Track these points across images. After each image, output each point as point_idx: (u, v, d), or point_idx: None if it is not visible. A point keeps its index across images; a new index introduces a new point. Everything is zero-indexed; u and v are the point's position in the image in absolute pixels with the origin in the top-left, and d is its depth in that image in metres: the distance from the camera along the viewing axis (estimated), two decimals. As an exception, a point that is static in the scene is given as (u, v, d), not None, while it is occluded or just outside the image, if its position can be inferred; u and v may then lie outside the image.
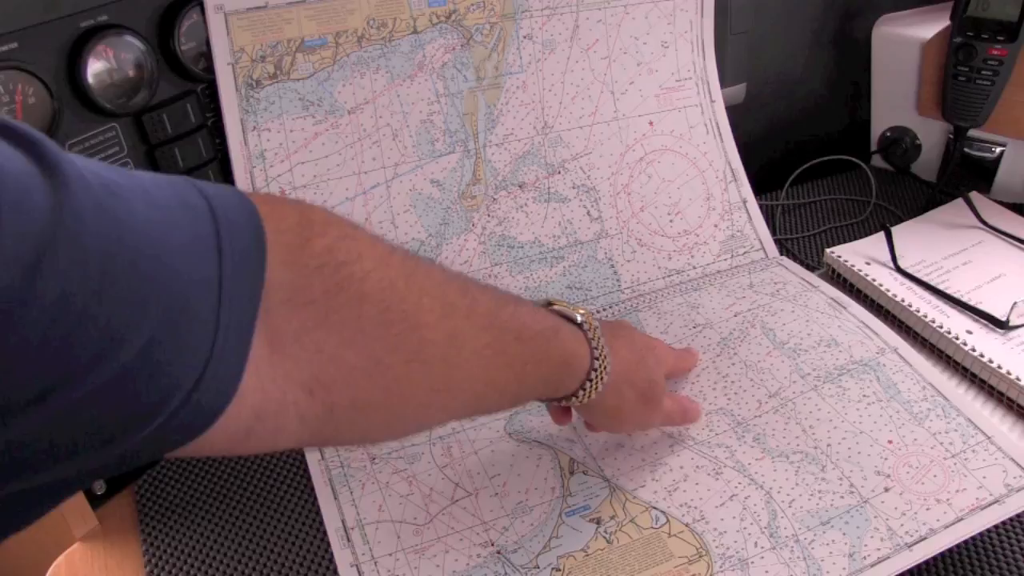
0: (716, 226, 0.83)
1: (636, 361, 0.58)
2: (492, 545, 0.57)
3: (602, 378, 0.53)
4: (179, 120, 0.63)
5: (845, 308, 0.75)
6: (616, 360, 0.55)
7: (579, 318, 0.54)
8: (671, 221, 0.82)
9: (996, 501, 0.56)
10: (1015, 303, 0.73)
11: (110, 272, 0.27)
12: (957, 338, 0.71)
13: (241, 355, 0.33)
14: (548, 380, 0.52)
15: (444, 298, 0.43)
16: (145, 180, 0.31)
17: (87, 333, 0.27)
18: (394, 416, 0.43)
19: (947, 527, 0.55)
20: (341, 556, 0.57)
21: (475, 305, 0.45)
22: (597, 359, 0.53)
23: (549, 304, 0.54)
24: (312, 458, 0.64)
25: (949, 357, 0.72)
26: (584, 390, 0.53)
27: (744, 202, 0.84)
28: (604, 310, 0.78)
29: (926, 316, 0.74)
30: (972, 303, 0.75)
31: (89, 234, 0.27)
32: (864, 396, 0.65)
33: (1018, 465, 0.58)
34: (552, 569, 0.55)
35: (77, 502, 0.60)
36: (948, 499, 0.57)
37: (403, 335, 0.40)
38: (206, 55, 0.64)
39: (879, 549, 0.54)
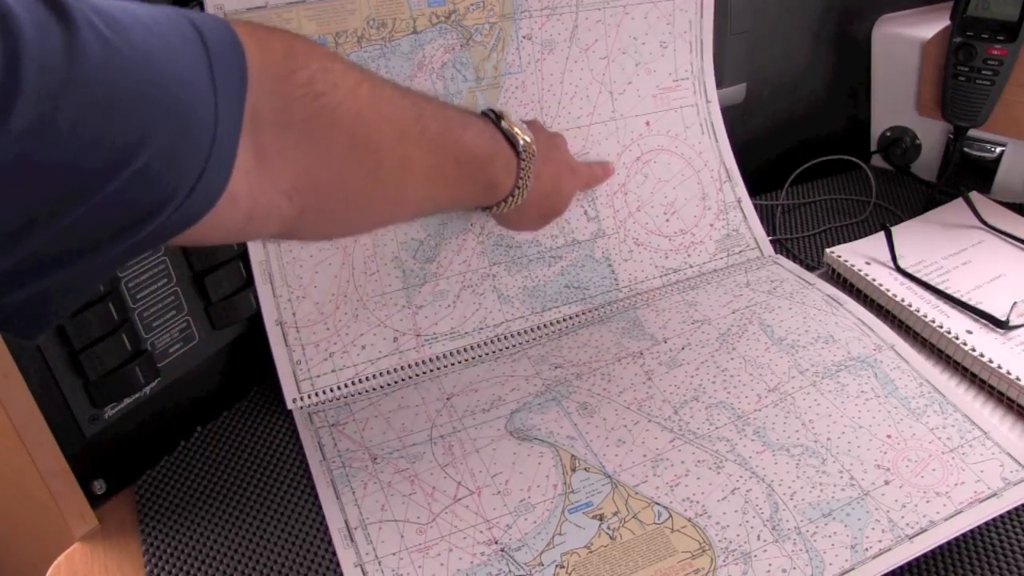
0: (712, 225, 0.87)
1: (552, 190, 0.71)
2: (496, 543, 0.59)
3: (517, 202, 0.66)
4: (179, 119, 0.65)
5: (842, 305, 0.78)
6: (536, 187, 0.67)
7: (520, 144, 0.64)
8: (667, 221, 0.85)
9: (994, 495, 0.59)
10: (1015, 303, 0.76)
11: (118, 99, 0.33)
12: (957, 338, 0.74)
13: (229, 164, 0.40)
14: (475, 197, 0.65)
15: (400, 124, 0.53)
16: (143, 14, 0.37)
17: (103, 150, 0.33)
18: (351, 219, 0.55)
19: (947, 519, 0.58)
20: (345, 556, 0.59)
21: (426, 129, 0.55)
22: (518, 188, 0.65)
23: (499, 118, 0.65)
24: (313, 459, 0.66)
25: (949, 357, 0.75)
26: (498, 207, 0.66)
27: (739, 202, 0.88)
28: (602, 308, 0.81)
29: (926, 316, 0.77)
30: (972, 303, 0.78)
31: (98, 67, 0.32)
32: (862, 392, 0.68)
33: (1014, 460, 0.62)
34: (556, 566, 0.57)
35: (77, 502, 0.62)
36: (947, 492, 0.60)
37: (364, 157, 0.50)
38: (206, 55, 0.67)
39: (880, 541, 0.57)
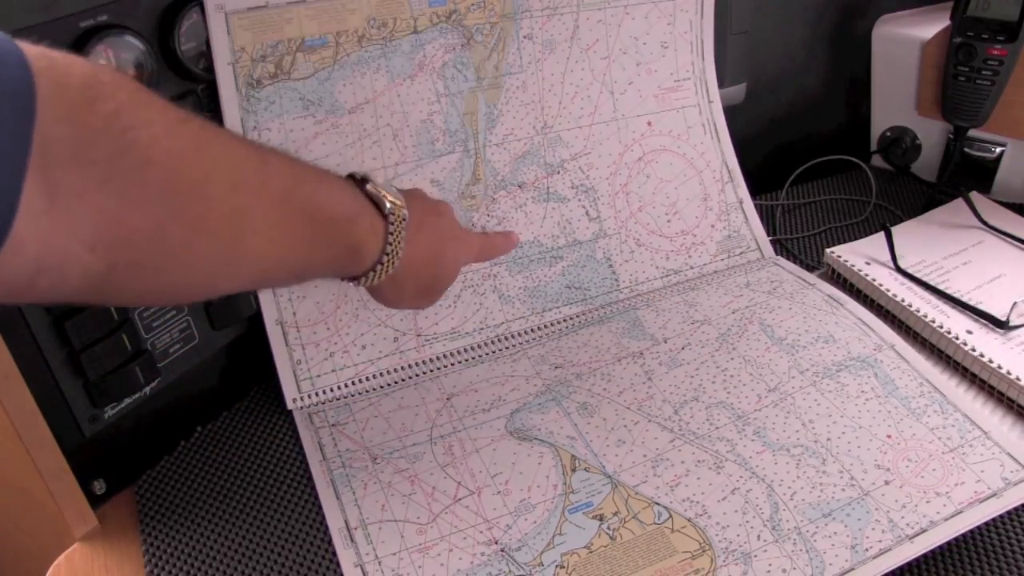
0: (713, 226, 0.87)
1: (430, 257, 0.63)
2: (496, 543, 0.60)
3: (388, 270, 0.59)
4: (179, 119, 0.65)
5: (842, 305, 0.78)
6: (409, 254, 0.60)
7: (387, 207, 0.57)
8: (669, 221, 0.85)
9: (994, 495, 0.60)
10: (1015, 303, 0.76)
11: None
12: (957, 338, 0.74)
13: (11, 201, 0.35)
14: (335, 261, 0.56)
15: (236, 171, 0.46)
16: None
17: None
18: (177, 280, 0.46)
19: (947, 519, 0.58)
20: (345, 556, 0.59)
21: (268, 181, 0.48)
22: (387, 254, 0.58)
23: (364, 181, 0.58)
24: (313, 459, 0.67)
25: (949, 357, 0.75)
26: (366, 277, 0.59)
27: (740, 202, 0.88)
28: (602, 308, 0.81)
29: (926, 316, 0.77)
30: (972, 303, 0.78)
31: None
32: (862, 392, 0.68)
33: (1015, 460, 0.62)
34: (556, 566, 0.58)
35: (77, 502, 0.62)
36: (947, 492, 0.60)
37: (187, 204, 0.43)
38: (206, 55, 0.67)
39: (881, 541, 0.57)
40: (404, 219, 0.58)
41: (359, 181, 0.58)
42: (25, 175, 0.35)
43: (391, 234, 0.57)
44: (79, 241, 0.39)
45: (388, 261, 0.58)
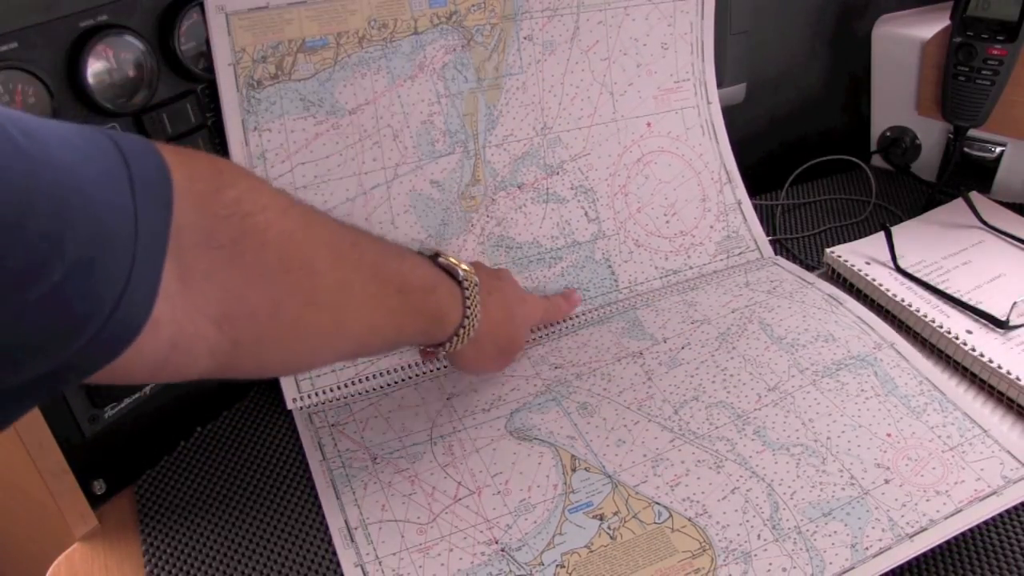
0: (712, 227, 0.87)
1: (504, 320, 0.68)
2: (496, 543, 0.60)
3: (469, 334, 0.63)
4: (179, 120, 0.65)
5: (841, 304, 0.78)
6: (485, 318, 0.64)
7: (460, 274, 0.62)
8: (667, 222, 0.85)
9: (994, 493, 0.60)
10: (1015, 303, 0.76)
11: (29, 208, 0.31)
12: (957, 338, 0.75)
13: (154, 285, 0.38)
14: (423, 331, 0.61)
15: (337, 249, 0.51)
16: (59, 127, 0.36)
17: (12, 260, 0.31)
18: (291, 352, 0.51)
19: (947, 518, 0.58)
20: (345, 556, 0.59)
21: (363, 257, 0.53)
22: (467, 318, 0.62)
23: (436, 256, 0.62)
24: (313, 458, 0.67)
25: (949, 357, 0.75)
26: (451, 343, 0.63)
27: (739, 203, 0.88)
28: (602, 308, 0.81)
29: (926, 316, 0.77)
30: (972, 303, 0.78)
31: (10, 171, 0.31)
32: (862, 391, 0.69)
33: (1014, 458, 0.62)
34: (556, 566, 0.58)
35: (77, 502, 0.63)
36: (947, 491, 0.60)
37: (300, 281, 0.47)
38: (206, 55, 0.67)
39: (880, 540, 0.57)
40: (477, 284, 0.62)
41: (431, 256, 0.62)
42: (164, 262, 0.39)
43: (468, 299, 0.62)
44: (207, 319, 0.42)
45: (469, 324, 0.62)
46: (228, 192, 0.43)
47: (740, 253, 0.87)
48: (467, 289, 0.62)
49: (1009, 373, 0.70)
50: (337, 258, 0.50)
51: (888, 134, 1.06)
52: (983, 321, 0.77)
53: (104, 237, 0.35)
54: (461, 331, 0.62)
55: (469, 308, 0.62)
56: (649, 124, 0.85)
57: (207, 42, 0.66)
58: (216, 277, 0.42)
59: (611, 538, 0.59)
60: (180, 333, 0.41)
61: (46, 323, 0.33)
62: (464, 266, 0.62)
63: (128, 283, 0.36)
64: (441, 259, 0.62)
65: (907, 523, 0.58)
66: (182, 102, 0.66)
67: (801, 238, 0.96)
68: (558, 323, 0.80)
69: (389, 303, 0.55)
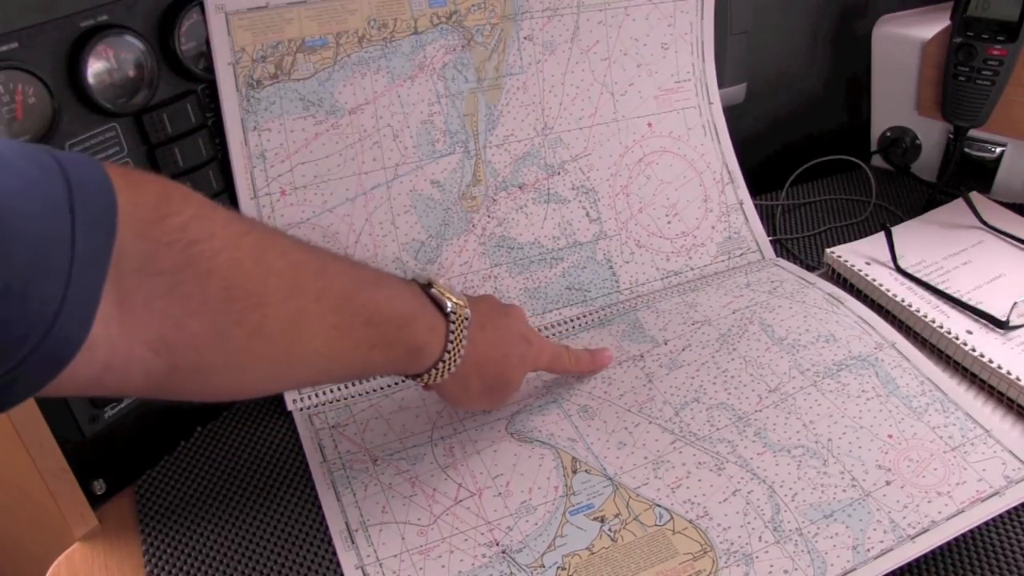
0: (713, 228, 0.87)
1: (495, 358, 0.65)
2: (497, 545, 0.60)
3: (450, 368, 0.60)
4: (179, 120, 0.65)
5: (842, 303, 0.79)
6: (472, 353, 0.61)
7: (448, 307, 0.60)
8: (669, 223, 0.86)
9: (996, 493, 0.60)
10: (1015, 303, 0.76)
11: None
12: (957, 338, 0.75)
13: (90, 308, 0.38)
14: (395, 361, 0.58)
15: (294, 279, 0.49)
16: (4, 147, 0.36)
17: None
18: (235, 380, 0.50)
19: (949, 519, 0.59)
20: (346, 558, 0.59)
21: (328, 287, 0.51)
22: (448, 352, 0.59)
23: (428, 285, 0.60)
24: (314, 460, 0.67)
25: (949, 357, 0.75)
26: (429, 375, 0.60)
27: (741, 204, 0.88)
28: (603, 310, 0.81)
29: (926, 316, 0.78)
30: (972, 303, 0.78)
31: None
32: (863, 391, 0.69)
33: (1016, 457, 0.62)
34: (557, 568, 0.58)
35: (77, 502, 0.63)
36: (949, 492, 0.60)
37: (246, 311, 0.46)
38: (206, 55, 0.67)
39: (882, 541, 0.57)
40: (466, 319, 0.60)
41: (423, 285, 0.60)
42: (103, 286, 0.39)
43: (452, 332, 0.59)
44: (144, 344, 0.42)
45: (450, 359, 0.60)
46: (173, 219, 0.42)
47: (741, 254, 0.87)
48: (453, 323, 0.59)
49: (1009, 373, 0.70)
50: (292, 288, 0.49)
51: (888, 134, 1.06)
52: (983, 321, 0.77)
53: (39, 261, 0.35)
54: (441, 365, 0.60)
55: (452, 343, 0.59)
56: (650, 124, 0.85)
57: (207, 42, 0.67)
58: (156, 304, 0.42)
59: (612, 540, 0.59)
60: (115, 355, 0.41)
61: None
62: (455, 299, 0.60)
63: (62, 307, 0.36)
64: (433, 289, 0.60)
65: (909, 524, 0.58)
66: (182, 102, 0.66)
67: (801, 238, 0.96)
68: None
69: (354, 335, 0.53)
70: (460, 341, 0.60)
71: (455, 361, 0.60)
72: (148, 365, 0.43)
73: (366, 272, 0.56)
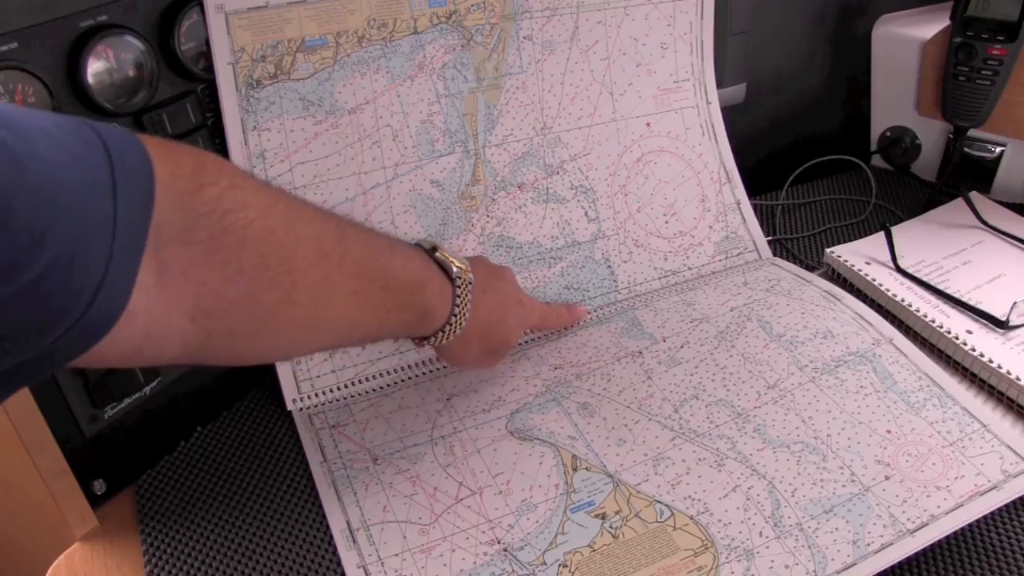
0: (711, 227, 0.88)
1: (496, 321, 0.69)
2: (498, 543, 0.61)
3: (456, 331, 0.64)
4: (179, 120, 0.66)
5: (839, 300, 0.80)
6: (475, 316, 0.65)
7: (454, 271, 0.63)
8: (667, 222, 0.87)
9: (994, 487, 0.61)
10: (1015, 303, 0.77)
11: (13, 206, 0.33)
12: (957, 338, 0.76)
13: (129, 280, 0.40)
14: (407, 325, 0.61)
15: (319, 246, 0.51)
16: (48, 123, 0.37)
17: None
18: (265, 344, 0.52)
19: (948, 513, 0.60)
20: (347, 557, 0.60)
21: (348, 253, 0.54)
22: (455, 316, 0.63)
23: (434, 249, 0.63)
24: (314, 460, 0.68)
25: (949, 357, 0.76)
26: (436, 337, 0.63)
27: (738, 204, 0.89)
28: (601, 309, 0.82)
29: (926, 316, 0.79)
30: (972, 303, 0.79)
31: None
32: (861, 387, 0.70)
33: (1014, 452, 0.63)
34: (559, 565, 0.59)
35: (77, 502, 0.63)
36: (948, 486, 0.61)
37: (278, 277, 0.48)
38: (206, 55, 0.68)
39: (882, 536, 0.59)
40: (470, 283, 0.63)
41: (428, 250, 0.63)
42: (142, 257, 0.40)
43: (458, 297, 0.62)
44: (181, 311, 0.44)
45: (456, 322, 0.63)
46: (209, 189, 0.44)
47: (738, 254, 0.88)
48: (459, 287, 0.63)
49: (1009, 373, 0.71)
50: (319, 255, 0.51)
51: (888, 134, 1.07)
52: (983, 321, 0.78)
53: (84, 235, 0.36)
54: (447, 328, 0.63)
55: (458, 307, 0.63)
56: (649, 124, 0.87)
57: (207, 42, 0.67)
58: (193, 272, 0.44)
59: (613, 537, 0.60)
60: (154, 324, 0.42)
61: (23, 316, 0.35)
62: (459, 263, 0.63)
63: (105, 278, 0.37)
64: (438, 254, 0.63)
65: (908, 519, 0.59)
66: (182, 102, 0.66)
67: (801, 238, 0.97)
68: (556, 331, 0.80)
69: (372, 299, 0.56)
70: (466, 305, 0.63)
71: (460, 324, 0.63)
72: (185, 332, 0.45)
73: (380, 238, 0.59)
